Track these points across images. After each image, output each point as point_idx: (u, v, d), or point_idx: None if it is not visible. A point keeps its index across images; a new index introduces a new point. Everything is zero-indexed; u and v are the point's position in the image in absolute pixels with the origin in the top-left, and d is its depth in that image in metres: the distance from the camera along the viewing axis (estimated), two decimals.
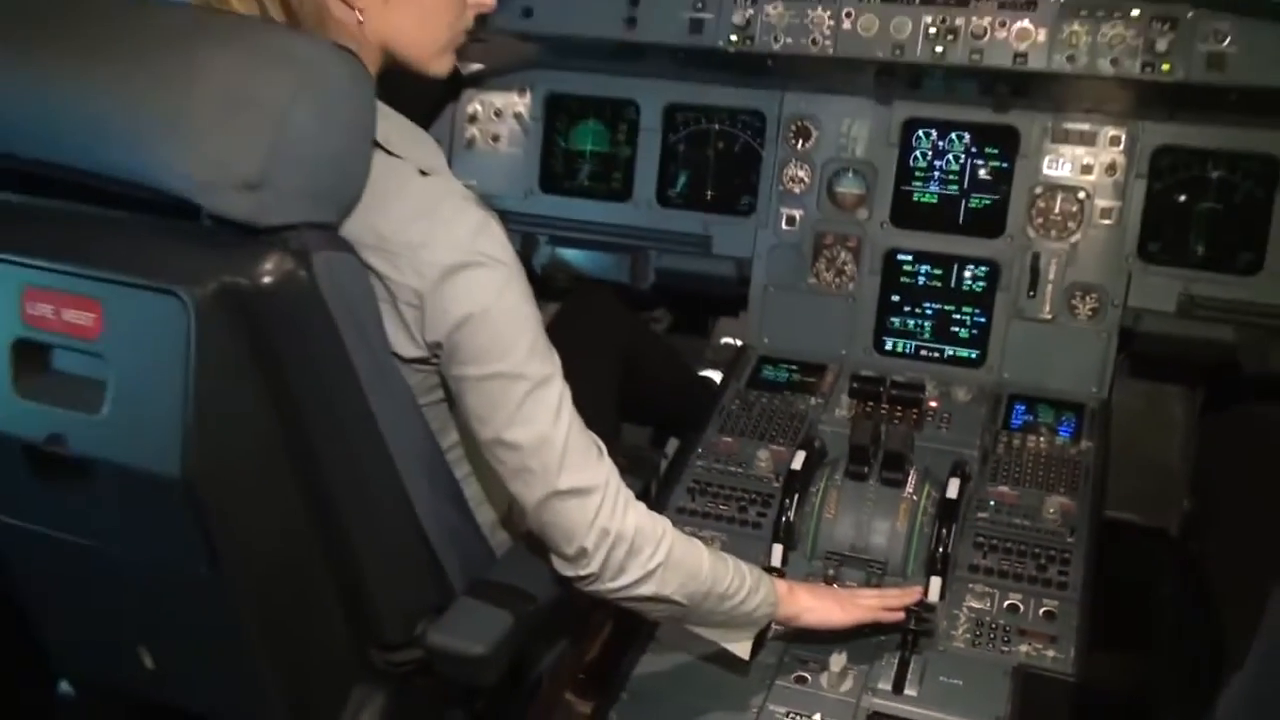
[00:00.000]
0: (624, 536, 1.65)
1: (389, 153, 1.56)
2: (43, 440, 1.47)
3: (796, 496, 2.29)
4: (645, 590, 1.70)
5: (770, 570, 2.16)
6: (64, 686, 1.88)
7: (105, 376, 1.43)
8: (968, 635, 2.10)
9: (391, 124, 1.61)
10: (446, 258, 1.52)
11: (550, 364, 1.61)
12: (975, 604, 2.16)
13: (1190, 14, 2.45)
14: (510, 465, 1.61)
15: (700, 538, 2.25)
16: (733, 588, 1.81)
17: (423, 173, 1.57)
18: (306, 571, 1.62)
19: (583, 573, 1.67)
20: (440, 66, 1.71)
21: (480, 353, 1.56)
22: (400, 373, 1.63)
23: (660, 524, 1.72)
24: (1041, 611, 2.14)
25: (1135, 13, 2.47)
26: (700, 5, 2.74)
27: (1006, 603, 2.16)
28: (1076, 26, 2.51)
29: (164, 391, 1.39)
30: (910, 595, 2.09)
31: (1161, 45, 2.45)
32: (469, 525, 1.90)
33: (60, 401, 1.47)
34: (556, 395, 1.60)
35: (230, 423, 1.45)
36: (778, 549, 2.25)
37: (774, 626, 1.98)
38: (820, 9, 2.67)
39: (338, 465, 1.55)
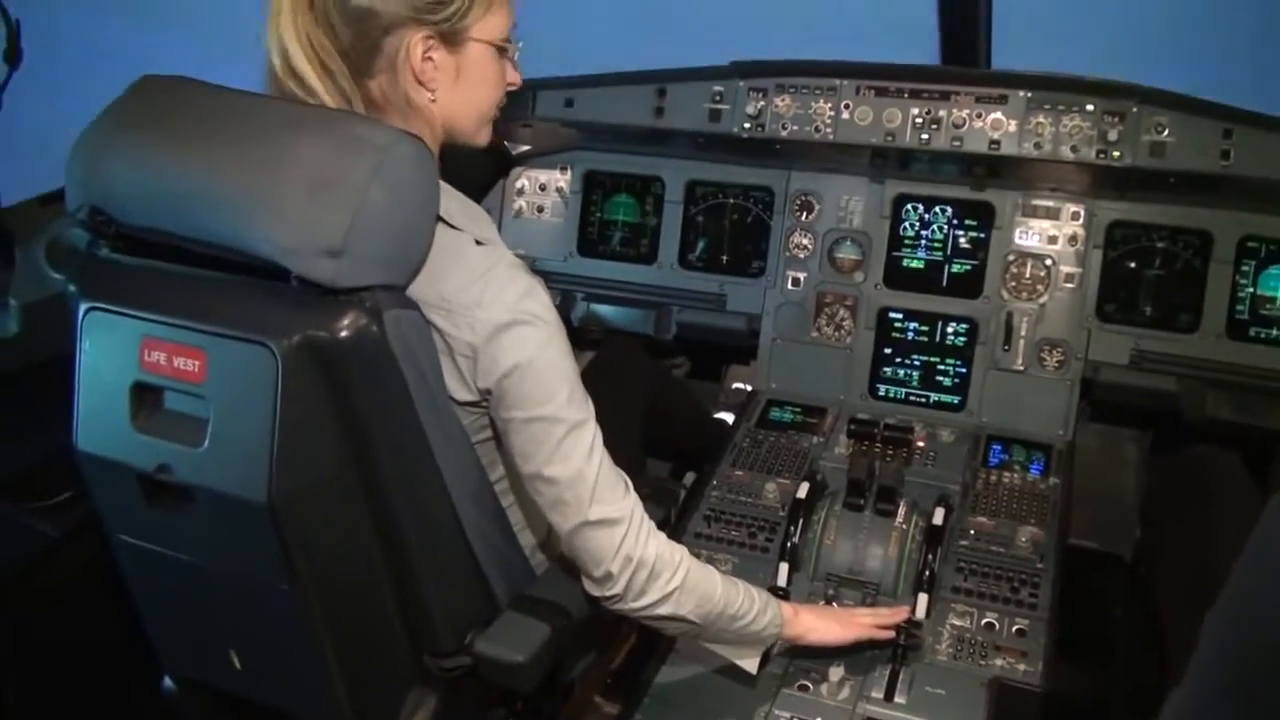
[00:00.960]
0: (645, 563, 1.66)
1: (450, 225, 1.58)
2: (153, 469, 1.50)
3: (800, 524, 2.28)
4: (664, 610, 1.71)
5: (776, 590, 2.15)
6: (167, 682, 1.89)
7: (207, 415, 1.45)
8: (950, 650, 2.08)
9: (453, 201, 1.63)
10: (498, 316, 1.54)
11: (585, 410, 1.62)
12: (957, 621, 2.14)
13: (1135, 109, 2.48)
14: (548, 497, 1.62)
15: (715, 560, 2.27)
16: (743, 609, 1.81)
17: (478, 242, 1.60)
18: (371, 587, 1.62)
19: (608, 593, 1.68)
20: (484, 137, 1.75)
21: (524, 399, 1.57)
22: (455, 414, 1.64)
23: (678, 552, 1.72)
24: (1014, 629, 2.12)
25: (1090, 107, 2.52)
26: (718, 98, 2.78)
27: (984, 621, 2.14)
28: (1042, 118, 2.55)
29: (255, 428, 1.41)
30: (899, 614, 2.07)
31: (1112, 135, 2.49)
32: (512, 547, 1.90)
33: (169, 436, 1.49)
34: (590, 437, 1.61)
35: (310, 456, 1.46)
36: (784, 569, 2.24)
37: (779, 644, 1.97)
38: (822, 101, 2.70)
39: (400, 494, 1.55)
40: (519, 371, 1.55)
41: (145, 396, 1.51)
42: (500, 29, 1.66)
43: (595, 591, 1.70)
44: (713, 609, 1.76)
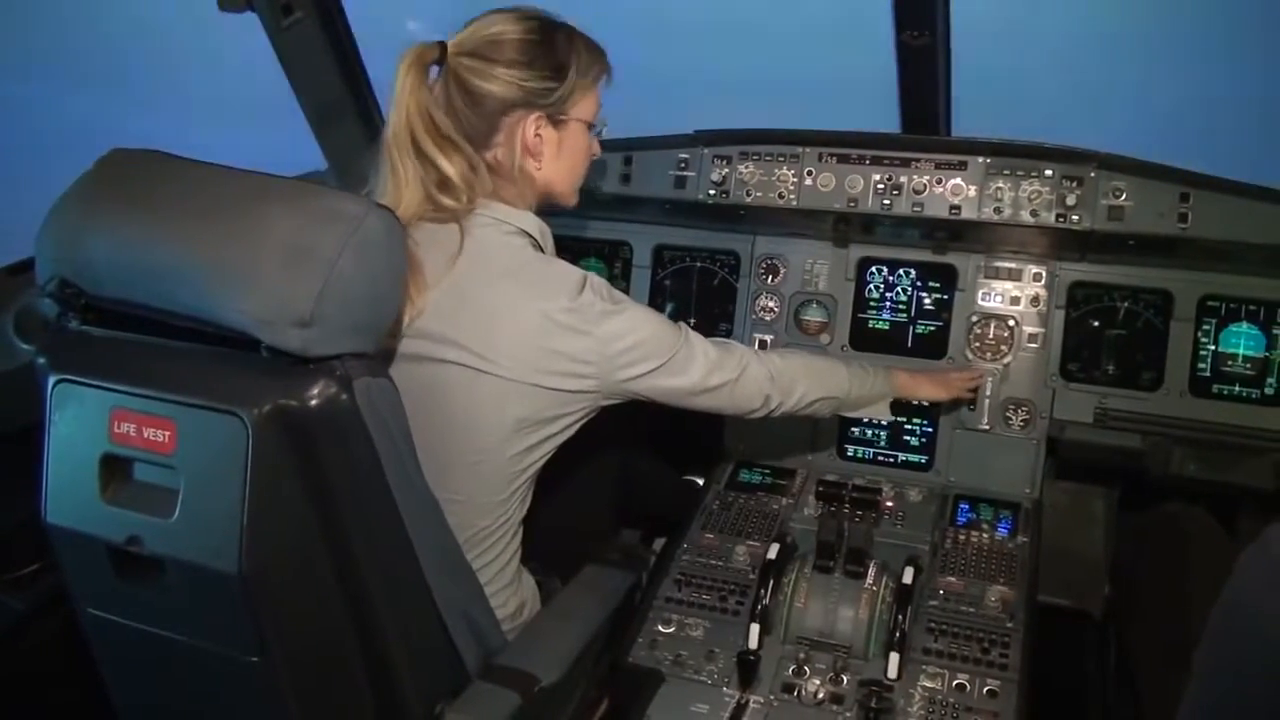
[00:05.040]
0: (777, 374, 2.24)
1: (542, 250, 2.01)
2: (123, 541, 1.51)
3: (771, 586, 2.30)
4: (808, 398, 2.34)
5: (748, 654, 2.17)
6: None
7: (177, 485, 1.47)
8: (922, 712, 2.10)
9: (548, 242, 2.05)
10: (596, 311, 1.92)
11: (679, 330, 2.08)
12: (928, 683, 2.17)
13: (1093, 174, 2.58)
14: (705, 402, 2.14)
15: (686, 624, 2.30)
16: (855, 384, 2.45)
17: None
18: (340, 659, 1.63)
19: (773, 407, 2.26)
20: (574, 200, 2.15)
21: (642, 359, 1.98)
22: (424, 481, 1.67)
23: (775, 359, 2.28)
24: (986, 690, 2.14)
25: (1049, 172, 2.61)
26: (683, 165, 2.88)
27: (955, 682, 2.17)
28: (1001, 183, 2.64)
29: (225, 498, 1.44)
30: (976, 376, 2.81)
31: (1071, 199, 2.58)
32: (483, 612, 1.92)
33: (139, 507, 1.51)
34: (695, 342, 2.10)
35: (280, 526, 1.48)
36: (754, 631, 2.25)
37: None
38: (785, 168, 2.80)
39: (370, 562, 1.58)
40: (629, 349, 1.94)
41: (115, 468, 1.53)
42: (592, 110, 2.05)
43: (761, 413, 2.27)
44: (822, 380, 2.39)
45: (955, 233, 2.79)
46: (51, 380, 1.56)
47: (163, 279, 1.48)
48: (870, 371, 2.53)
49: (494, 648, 1.93)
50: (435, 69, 1.93)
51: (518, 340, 1.86)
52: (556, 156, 2.02)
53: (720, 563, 2.53)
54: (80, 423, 1.54)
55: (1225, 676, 1.29)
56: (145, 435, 1.48)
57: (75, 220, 1.56)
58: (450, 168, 1.90)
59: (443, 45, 1.92)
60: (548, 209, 2.10)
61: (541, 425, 1.94)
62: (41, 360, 1.58)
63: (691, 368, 2.08)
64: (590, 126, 2.06)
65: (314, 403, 1.44)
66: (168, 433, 1.47)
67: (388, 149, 1.91)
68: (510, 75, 1.91)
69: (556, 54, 1.95)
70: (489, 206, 1.96)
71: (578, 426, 2.02)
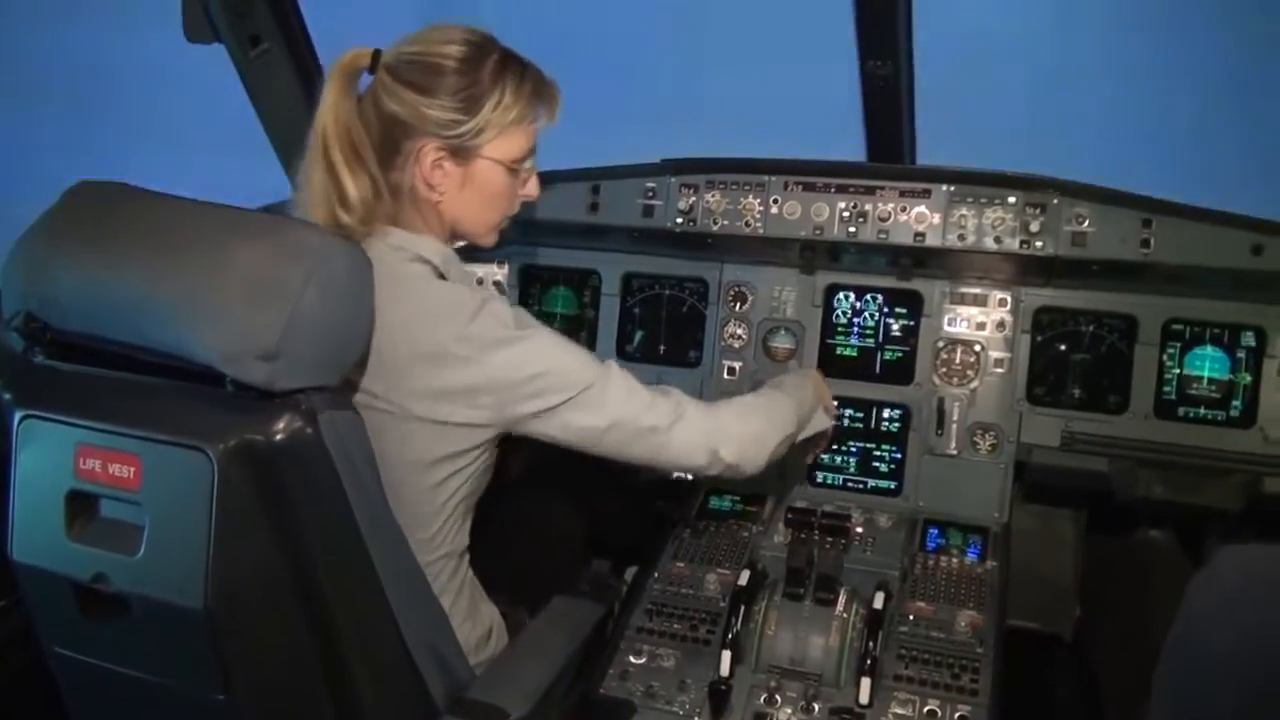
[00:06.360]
0: (729, 429, 2.03)
1: (443, 277, 1.87)
2: (89, 579, 1.52)
3: (742, 614, 2.32)
4: (763, 458, 2.15)
5: (720, 682, 2.18)
6: None
7: (143, 522, 1.48)
8: None
9: (455, 268, 1.92)
10: (497, 334, 1.80)
11: (598, 362, 1.92)
12: (899, 710, 2.18)
13: (1056, 200, 2.64)
14: (617, 442, 1.92)
15: (658, 654, 2.31)
16: (792, 413, 2.28)
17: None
18: (307, 696, 1.63)
19: (730, 463, 2.05)
20: (490, 240, 2.04)
21: (551, 391, 1.84)
22: (391, 515, 1.68)
23: (720, 408, 2.11)
24: (957, 716, 2.16)
25: (1012, 199, 2.67)
26: (651, 194, 2.92)
27: (926, 708, 2.18)
28: (965, 211, 2.70)
29: (191, 534, 1.45)
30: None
31: (1034, 226, 2.64)
32: (450, 645, 1.92)
33: (104, 544, 1.52)
34: (617, 377, 1.92)
35: (246, 560, 1.50)
36: (726, 659, 2.25)
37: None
38: (751, 197, 2.84)
39: (337, 596, 1.59)
40: (536, 378, 1.81)
41: (81, 504, 1.54)
42: (513, 152, 1.91)
43: (709, 474, 2.08)
44: (775, 426, 2.20)
45: (920, 259, 2.84)
46: (17, 416, 1.57)
47: (128, 313, 1.50)
48: (796, 386, 2.43)
49: (462, 682, 1.93)
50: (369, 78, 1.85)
51: (410, 372, 1.77)
52: (460, 192, 1.89)
53: (691, 591, 2.54)
54: (46, 459, 1.55)
55: (1174, 706, 1.32)
56: (111, 471, 1.49)
57: (41, 254, 1.58)
58: (352, 187, 1.78)
59: (376, 53, 1.83)
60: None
61: (449, 460, 1.85)
62: (7, 395, 1.59)
63: (608, 405, 1.90)
64: (512, 169, 1.92)
65: (279, 436, 1.45)
66: (133, 469, 1.48)
67: (306, 160, 1.83)
68: (415, 99, 1.80)
69: (476, 84, 1.82)
70: (388, 233, 1.85)
71: (490, 459, 1.95)
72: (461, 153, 1.85)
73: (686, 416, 1.99)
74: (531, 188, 2.01)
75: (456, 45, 1.83)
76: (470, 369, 1.77)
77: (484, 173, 1.89)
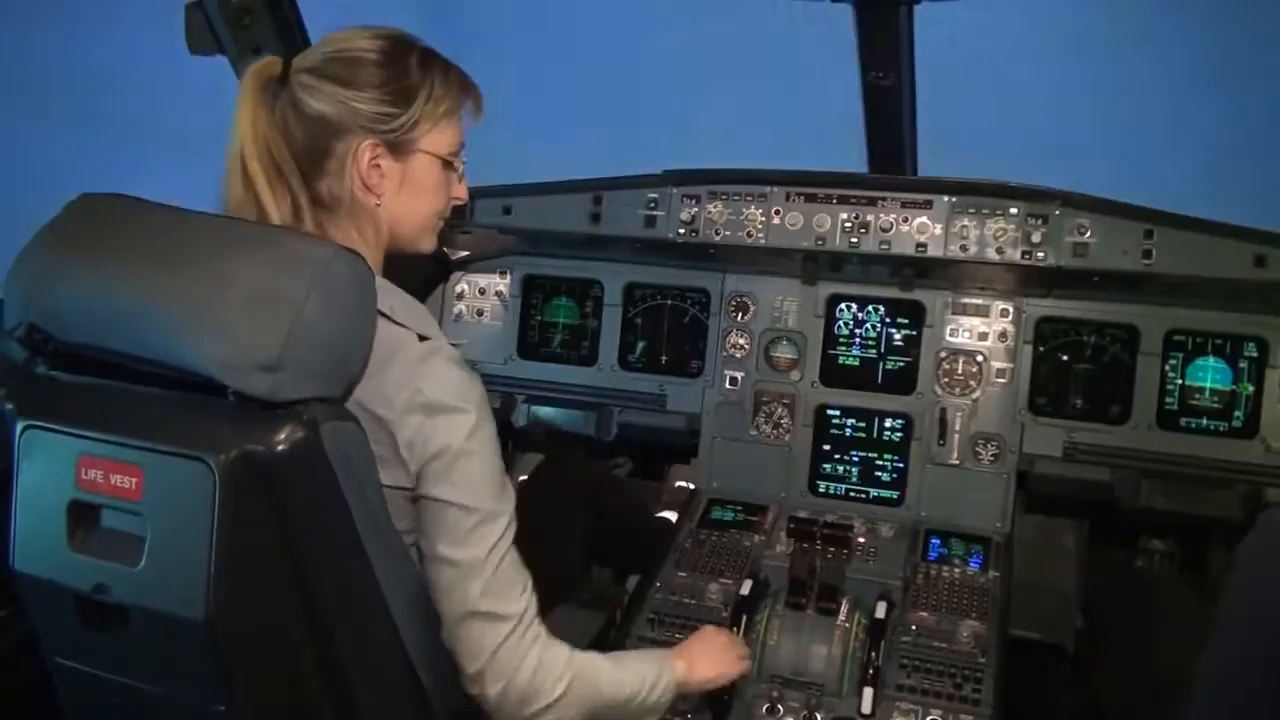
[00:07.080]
0: (525, 667, 1.69)
1: (394, 321, 1.67)
2: (90, 590, 1.52)
3: (744, 623, 2.32)
4: (549, 718, 1.73)
5: (723, 692, 2.18)
6: None
7: (144, 533, 1.48)
8: None
9: (396, 298, 1.73)
10: (435, 399, 1.63)
11: (503, 502, 1.69)
12: None
13: (1058, 211, 2.65)
14: (444, 579, 1.67)
15: None
16: (632, 691, 1.87)
17: (421, 338, 1.69)
18: (308, 708, 1.62)
19: (481, 692, 1.70)
20: (427, 244, 1.90)
21: (447, 481, 1.64)
22: (394, 527, 1.69)
23: (561, 658, 1.75)
24: None
25: (1014, 210, 2.68)
26: (653, 204, 2.93)
27: (928, 718, 2.20)
28: (967, 221, 2.71)
29: (192, 545, 1.44)
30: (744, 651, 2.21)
31: (1036, 237, 2.64)
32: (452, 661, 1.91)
33: (106, 555, 1.51)
34: (501, 529, 1.68)
35: (248, 572, 1.49)
36: None
37: None
38: (753, 207, 2.85)
39: (339, 607, 1.58)
40: (447, 454, 1.64)
41: (82, 515, 1.53)
42: (447, 144, 1.83)
43: (470, 689, 1.72)
44: (601, 703, 1.81)
45: (922, 270, 2.85)
46: (19, 426, 1.57)
47: (130, 324, 1.50)
48: (652, 667, 1.97)
49: (463, 693, 1.92)
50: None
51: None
52: (399, 192, 1.80)
53: (693, 601, 2.55)
54: (48, 469, 1.55)
55: (1243, 671, 1.31)
56: (112, 482, 1.49)
57: (44, 265, 1.58)
58: (273, 206, 1.69)
59: (287, 61, 1.77)
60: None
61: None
62: (9, 406, 1.59)
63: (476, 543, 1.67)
64: (446, 163, 1.85)
65: (281, 447, 1.45)
66: (135, 479, 1.48)
67: (229, 178, 1.72)
68: (345, 94, 1.72)
69: (404, 77, 1.76)
70: None
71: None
72: (398, 148, 1.77)
73: (543, 644, 1.74)
74: (461, 190, 1.92)
75: (372, 39, 1.78)
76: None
77: (422, 168, 1.81)
